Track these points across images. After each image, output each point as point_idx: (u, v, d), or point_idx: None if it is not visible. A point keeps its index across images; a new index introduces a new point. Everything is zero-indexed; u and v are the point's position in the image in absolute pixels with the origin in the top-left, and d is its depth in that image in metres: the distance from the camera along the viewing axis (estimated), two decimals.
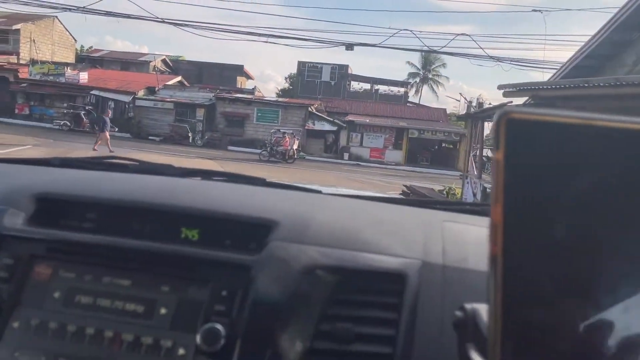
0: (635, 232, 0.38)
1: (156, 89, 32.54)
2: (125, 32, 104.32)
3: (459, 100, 32.05)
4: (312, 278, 0.86)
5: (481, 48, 17.30)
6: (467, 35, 17.12)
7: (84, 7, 18.13)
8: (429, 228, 1.02)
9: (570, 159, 0.38)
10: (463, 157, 32.02)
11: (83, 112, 29.61)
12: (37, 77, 31.00)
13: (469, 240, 1.01)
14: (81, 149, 19.14)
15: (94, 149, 19.17)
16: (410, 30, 16.98)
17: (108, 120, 20.99)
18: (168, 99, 31.51)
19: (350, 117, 32.34)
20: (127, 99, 30.71)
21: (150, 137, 30.04)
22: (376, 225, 1.04)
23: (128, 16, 18.58)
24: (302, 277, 0.85)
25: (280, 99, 35.84)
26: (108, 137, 20.29)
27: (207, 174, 1.42)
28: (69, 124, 28.81)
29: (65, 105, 30.32)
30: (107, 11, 18.23)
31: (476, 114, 12.35)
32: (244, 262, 0.87)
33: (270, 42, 17.14)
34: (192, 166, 1.56)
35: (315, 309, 0.83)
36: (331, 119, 31.51)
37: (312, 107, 32.08)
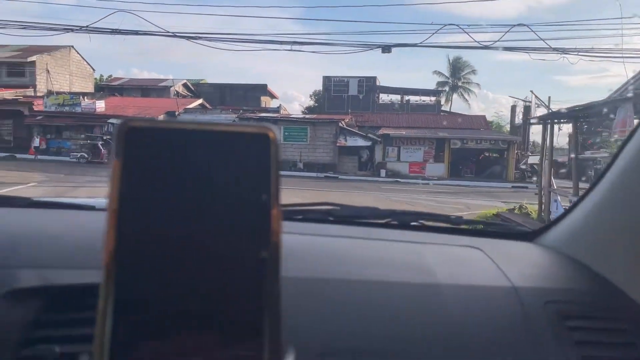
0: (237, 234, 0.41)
1: (176, 113, 30.75)
2: (152, 64, 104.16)
3: (529, 102, 28.82)
4: (11, 303, 0.83)
5: (542, 39, 14.70)
6: (524, 25, 14.73)
7: (86, 27, 16.27)
8: None
9: (183, 163, 0.41)
10: (512, 167, 29.20)
11: (100, 142, 27.96)
12: (53, 109, 29.62)
13: None
14: (88, 186, 17.09)
15: None
16: (457, 25, 14.39)
17: None
18: None
19: (385, 131, 29.84)
20: None
21: None
22: (83, 241, 1.02)
23: (135, 32, 16.64)
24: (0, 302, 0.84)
25: (307, 116, 33.66)
26: None
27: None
28: (86, 156, 27.17)
29: (82, 136, 28.76)
30: (112, 29, 16.33)
31: (577, 112, 9.36)
32: None
33: (294, 50, 14.86)
34: None
35: (14, 334, 0.80)
36: (364, 134, 29.07)
37: (342, 122, 29.76)
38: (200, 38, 16.18)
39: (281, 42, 15.94)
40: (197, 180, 0.41)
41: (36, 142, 28.31)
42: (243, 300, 0.41)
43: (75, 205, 1.35)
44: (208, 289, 0.40)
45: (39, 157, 28.42)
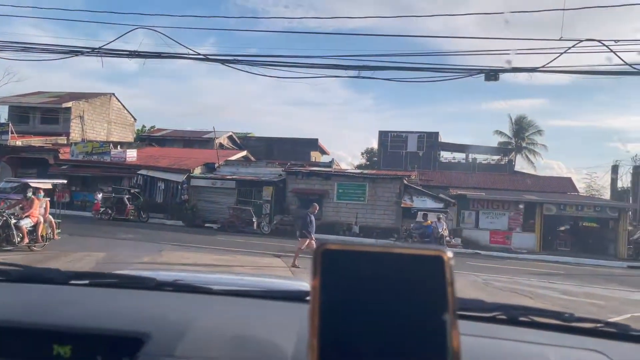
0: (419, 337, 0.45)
1: (216, 165, 27.04)
2: (206, 124, 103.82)
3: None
4: None
5: None
6: None
7: (99, 48, 12.74)
8: (305, 327, 1.08)
9: (371, 279, 0.46)
10: (624, 240, 23.39)
11: (127, 196, 24.33)
12: (80, 157, 26.53)
13: None
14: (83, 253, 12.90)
15: (295, 265, 12.27)
16: (599, 41, 9.77)
17: (313, 219, 13.10)
18: (229, 177, 25.76)
19: (458, 191, 24.93)
20: (179, 178, 25.26)
21: (207, 225, 24.09)
22: (254, 329, 1.05)
23: (158, 55, 13.01)
24: None
25: (366, 171, 29.20)
26: (314, 245, 12.20)
27: (95, 277, 1.38)
28: (110, 211, 23.50)
29: (109, 189, 25.16)
30: (130, 51, 12.75)
31: None
32: None
33: (365, 78, 10.70)
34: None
35: None
36: (435, 194, 24.24)
37: (406, 179, 25.12)
38: (237, 62, 12.28)
39: (346, 67, 11.77)
40: (383, 297, 0.45)
41: (99, 197, 23.99)
42: None
43: (193, 288, 1.34)
44: None
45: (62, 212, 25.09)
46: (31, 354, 0.93)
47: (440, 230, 18.94)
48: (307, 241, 12.35)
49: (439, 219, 19.48)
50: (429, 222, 19.52)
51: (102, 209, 23.59)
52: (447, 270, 0.46)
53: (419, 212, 21.24)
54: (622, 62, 10.57)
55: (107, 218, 23.23)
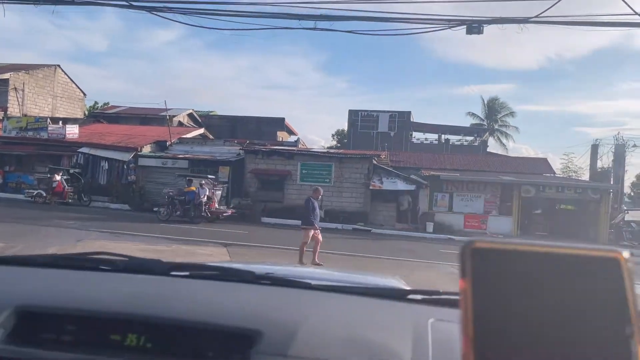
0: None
1: (168, 144, 24.60)
2: (173, 105, 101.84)
3: (622, 140, 22.03)
4: None
5: None
6: None
7: None
8: (417, 329, 0.99)
9: (531, 283, 0.41)
10: (606, 224, 22.11)
11: (65, 177, 21.76)
12: (14, 134, 23.73)
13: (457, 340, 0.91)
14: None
15: (302, 262, 9.84)
16: None
17: (317, 205, 10.79)
18: (181, 156, 23.38)
19: (432, 172, 23.16)
20: (126, 157, 22.75)
21: (155, 209, 21.73)
22: (364, 329, 1.01)
23: (72, 1, 10.61)
24: None
25: (332, 150, 27.18)
26: (320, 237, 10.42)
27: (196, 269, 1.37)
28: (43, 193, 20.92)
29: (41, 170, 22.49)
30: None
31: None
32: None
33: (332, 30, 8.51)
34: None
35: None
36: (406, 175, 22.40)
37: (376, 159, 23.22)
38: (169, 10, 10.00)
39: (299, 17, 9.62)
40: (545, 305, 0.39)
41: (57, 178, 20.86)
42: None
43: (294, 283, 1.30)
44: None
45: None
46: (141, 348, 0.89)
47: (201, 197, 18.00)
48: (312, 232, 10.26)
49: (201, 185, 18.47)
50: (193, 188, 18.48)
51: (35, 192, 21.00)
52: (625, 274, 0.39)
53: (187, 178, 20.01)
54: (631, 12, 8.74)
55: (41, 201, 20.69)
